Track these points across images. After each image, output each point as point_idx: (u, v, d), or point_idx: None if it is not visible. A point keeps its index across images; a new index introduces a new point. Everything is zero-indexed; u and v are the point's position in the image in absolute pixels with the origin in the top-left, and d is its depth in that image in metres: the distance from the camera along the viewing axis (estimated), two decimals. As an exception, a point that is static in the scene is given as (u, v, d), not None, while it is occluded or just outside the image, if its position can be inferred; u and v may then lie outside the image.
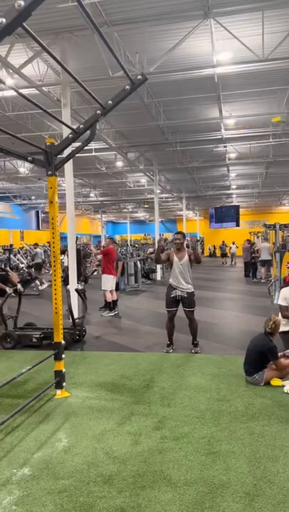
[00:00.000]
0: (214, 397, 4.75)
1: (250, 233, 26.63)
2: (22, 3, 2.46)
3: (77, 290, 8.26)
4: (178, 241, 6.59)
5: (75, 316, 8.04)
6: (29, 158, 4.75)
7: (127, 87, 4.37)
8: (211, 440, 3.75)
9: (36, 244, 19.25)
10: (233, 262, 28.78)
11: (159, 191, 22.99)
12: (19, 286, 7.78)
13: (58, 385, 4.93)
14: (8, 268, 14.74)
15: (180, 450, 3.59)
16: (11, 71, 9.03)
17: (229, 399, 4.70)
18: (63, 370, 4.98)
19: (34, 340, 7.28)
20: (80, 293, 8.25)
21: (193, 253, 6.56)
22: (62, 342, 4.99)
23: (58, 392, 4.92)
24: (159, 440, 3.77)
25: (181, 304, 6.61)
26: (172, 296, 6.56)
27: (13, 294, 7.59)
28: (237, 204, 31.51)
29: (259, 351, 5.16)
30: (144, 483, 3.11)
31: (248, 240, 20.68)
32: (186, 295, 6.50)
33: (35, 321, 8.35)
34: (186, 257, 6.53)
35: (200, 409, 4.42)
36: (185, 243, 6.77)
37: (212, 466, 3.32)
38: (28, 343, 7.30)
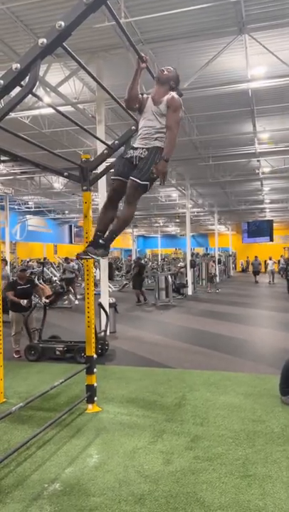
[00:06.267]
0: (249, 417, 4.61)
1: (284, 248, 25.97)
2: (62, 23, 2.54)
3: (100, 304, 8.26)
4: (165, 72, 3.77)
5: (97, 330, 8.06)
6: (65, 173, 4.84)
7: (162, 103, 4.38)
8: (245, 462, 3.62)
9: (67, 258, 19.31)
10: (271, 281, 24.85)
11: (190, 205, 22.93)
12: (44, 299, 7.93)
13: (90, 400, 4.92)
14: (40, 281, 15.02)
15: (213, 471, 3.48)
16: (48, 89, 9.31)
17: (264, 419, 4.55)
18: (95, 384, 4.97)
19: (57, 353, 7.36)
20: (103, 307, 8.26)
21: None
22: (95, 356, 5.00)
23: (90, 406, 4.90)
24: (192, 460, 3.68)
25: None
26: (126, 156, 3.56)
27: (41, 304, 7.74)
28: (271, 219, 30.99)
29: None
30: (176, 505, 3.03)
31: None
32: (145, 153, 3.44)
33: (64, 334, 8.44)
34: (165, 103, 3.55)
35: (234, 430, 4.29)
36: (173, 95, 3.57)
37: (247, 490, 3.20)
38: (52, 356, 7.38)
